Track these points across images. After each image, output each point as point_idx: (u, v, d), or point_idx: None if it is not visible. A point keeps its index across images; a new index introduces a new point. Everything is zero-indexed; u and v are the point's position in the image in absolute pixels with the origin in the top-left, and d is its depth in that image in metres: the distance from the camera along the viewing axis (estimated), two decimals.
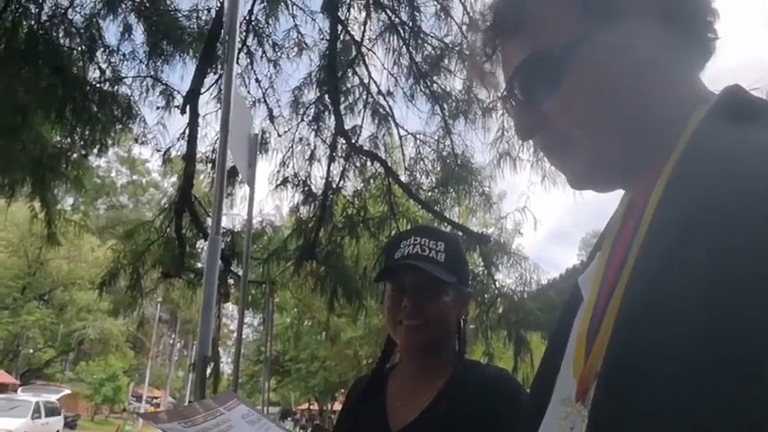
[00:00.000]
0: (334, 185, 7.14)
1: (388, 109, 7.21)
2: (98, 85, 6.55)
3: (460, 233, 6.70)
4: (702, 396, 0.47)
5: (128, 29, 6.51)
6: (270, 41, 7.09)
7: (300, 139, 7.34)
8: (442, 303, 1.52)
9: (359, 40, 6.99)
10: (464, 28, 6.63)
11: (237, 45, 6.54)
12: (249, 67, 7.08)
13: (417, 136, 7.32)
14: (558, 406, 0.72)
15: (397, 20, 6.82)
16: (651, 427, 0.49)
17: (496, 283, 6.94)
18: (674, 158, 0.64)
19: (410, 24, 6.79)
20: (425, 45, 6.87)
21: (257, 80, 7.13)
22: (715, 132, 0.62)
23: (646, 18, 0.70)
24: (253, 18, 6.82)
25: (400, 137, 7.33)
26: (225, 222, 7.89)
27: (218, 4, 6.23)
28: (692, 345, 0.49)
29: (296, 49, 7.09)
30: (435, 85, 7.00)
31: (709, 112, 0.65)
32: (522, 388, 1.52)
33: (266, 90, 7.21)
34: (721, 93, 0.68)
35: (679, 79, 0.71)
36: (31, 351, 34.10)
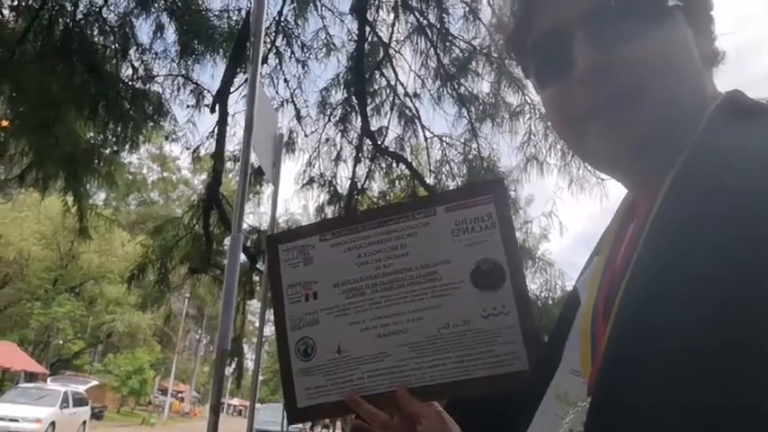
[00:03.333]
0: (360, 186, 7.18)
1: (414, 111, 7.23)
2: (130, 83, 6.69)
3: None
4: (703, 397, 0.48)
5: (160, 28, 6.65)
6: (299, 42, 7.17)
7: (327, 140, 7.40)
8: None
9: (387, 41, 7.02)
10: (492, 30, 6.61)
11: (266, 46, 6.63)
12: (278, 67, 7.15)
13: (443, 138, 7.32)
14: (552, 400, 0.73)
15: (425, 22, 6.83)
16: (650, 422, 0.50)
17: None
18: (677, 165, 0.64)
19: (438, 26, 6.79)
20: (453, 47, 6.87)
21: (285, 80, 7.21)
22: (713, 139, 0.63)
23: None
24: (282, 19, 6.89)
25: (426, 139, 7.34)
26: (251, 220, 7.99)
27: (249, 5, 6.31)
28: (692, 348, 0.50)
29: (324, 50, 7.15)
30: (462, 87, 6.99)
31: (708, 120, 0.66)
32: None
33: (294, 90, 7.29)
34: (721, 99, 0.68)
35: (704, 83, 0.71)
36: (61, 342, 34.67)
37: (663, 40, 0.68)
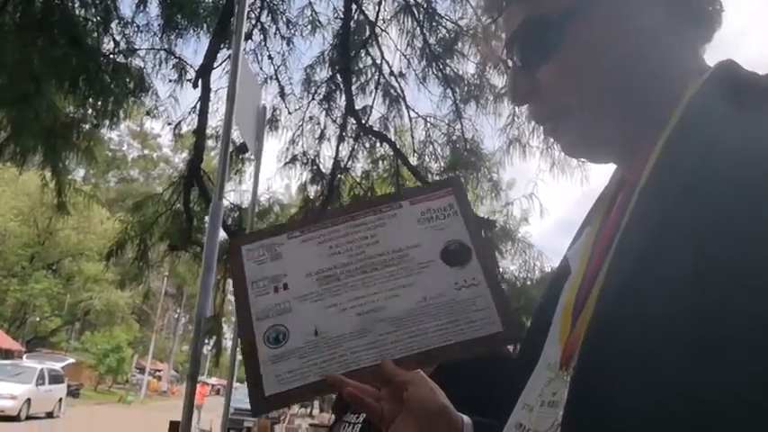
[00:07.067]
0: (343, 165, 7.15)
1: (399, 91, 7.19)
2: (112, 57, 6.56)
3: None
4: (684, 369, 0.48)
5: (143, 1, 6.53)
6: (284, 18, 7.09)
7: (311, 118, 7.34)
8: None
9: (373, 19, 6.96)
10: (479, 11, 6.58)
11: (251, 21, 6.55)
12: (262, 43, 7.07)
13: (428, 119, 7.30)
14: (543, 371, 0.73)
15: (412, 1, 6.78)
16: (631, 396, 0.51)
17: (500, 269, 6.93)
18: (665, 134, 0.64)
19: (425, 6, 6.75)
20: (439, 27, 6.83)
21: (270, 57, 7.12)
22: (706, 109, 0.63)
23: None
24: None
25: (410, 119, 7.31)
26: (233, 198, 7.93)
27: None
28: (675, 319, 0.50)
29: (309, 26, 7.08)
30: (448, 68, 6.97)
31: (700, 88, 0.66)
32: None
33: (278, 67, 7.20)
34: (714, 68, 0.68)
35: (677, 52, 0.71)
36: (38, 319, 34.37)
37: (575, 49, 0.71)
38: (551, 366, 0.72)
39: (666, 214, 0.56)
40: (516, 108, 6.78)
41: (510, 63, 0.78)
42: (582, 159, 0.83)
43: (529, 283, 6.81)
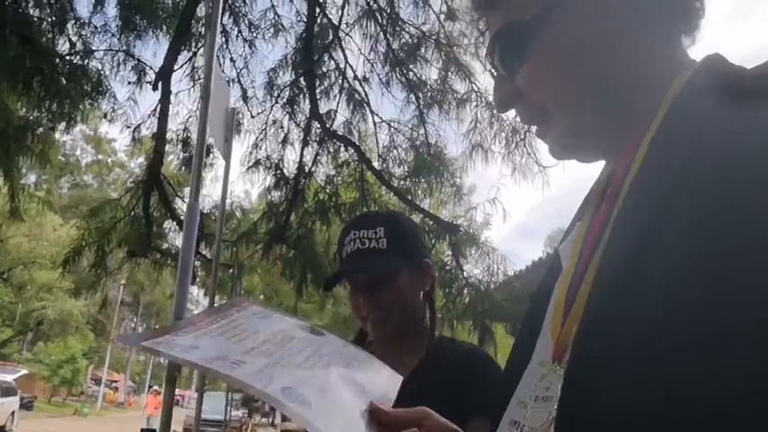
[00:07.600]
0: (307, 170, 7.10)
1: (363, 95, 7.18)
2: (68, 58, 6.41)
3: (431, 222, 6.72)
4: (677, 363, 0.47)
5: (100, 1, 6.39)
6: (246, 21, 7.02)
7: (274, 122, 7.28)
8: (397, 290, 1.54)
9: (336, 23, 6.95)
10: (442, 17, 6.64)
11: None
12: (224, 46, 6.99)
13: (392, 124, 7.31)
14: (536, 367, 0.72)
15: (375, 5, 6.79)
16: (624, 389, 0.50)
17: (464, 273, 6.97)
18: (653, 128, 0.64)
19: (388, 11, 6.77)
20: (403, 32, 6.86)
21: (232, 60, 7.05)
22: (693, 103, 0.62)
23: None
24: None
25: (375, 124, 7.31)
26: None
27: None
28: (666, 314, 0.49)
29: (272, 30, 7.03)
30: (411, 73, 6.99)
31: (687, 83, 0.65)
32: (495, 363, 1.54)
33: (240, 70, 7.14)
34: (700, 62, 0.68)
35: (657, 47, 0.71)
36: None
37: (550, 49, 0.71)
38: (544, 363, 0.71)
39: (655, 209, 0.55)
40: (478, 113, 6.86)
41: (493, 71, 0.79)
42: (570, 159, 0.81)
43: (492, 286, 6.85)
